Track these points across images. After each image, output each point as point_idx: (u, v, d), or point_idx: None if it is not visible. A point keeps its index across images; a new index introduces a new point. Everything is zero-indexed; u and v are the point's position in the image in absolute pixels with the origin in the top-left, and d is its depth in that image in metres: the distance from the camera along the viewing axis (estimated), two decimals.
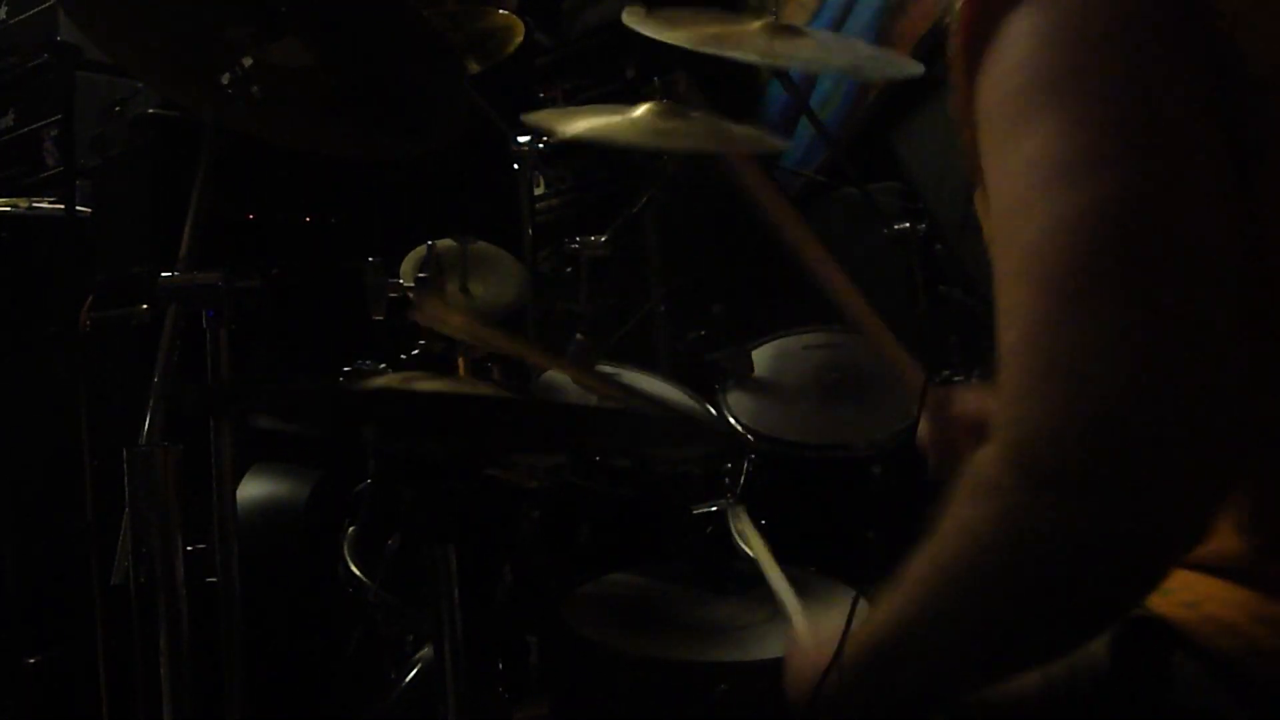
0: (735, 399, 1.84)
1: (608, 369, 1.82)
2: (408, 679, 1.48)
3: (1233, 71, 0.69)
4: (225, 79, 1.41)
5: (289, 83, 1.50)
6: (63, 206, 2.24)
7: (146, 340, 1.50)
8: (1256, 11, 0.69)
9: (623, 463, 1.70)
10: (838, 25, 3.09)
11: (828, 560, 1.51)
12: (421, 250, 1.89)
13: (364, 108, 1.54)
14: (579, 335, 1.75)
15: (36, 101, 2.77)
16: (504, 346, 1.36)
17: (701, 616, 1.42)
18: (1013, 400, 0.67)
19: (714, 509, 1.69)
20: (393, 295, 1.72)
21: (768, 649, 1.32)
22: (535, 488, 1.62)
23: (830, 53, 1.75)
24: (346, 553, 1.66)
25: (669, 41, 1.56)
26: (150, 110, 2.40)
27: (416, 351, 1.68)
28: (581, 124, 1.85)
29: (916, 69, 1.62)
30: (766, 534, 1.51)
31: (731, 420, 1.78)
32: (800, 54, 1.65)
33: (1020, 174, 0.68)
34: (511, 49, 2.32)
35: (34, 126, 2.80)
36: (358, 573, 1.63)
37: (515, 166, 2.25)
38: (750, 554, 1.36)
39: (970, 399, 1.12)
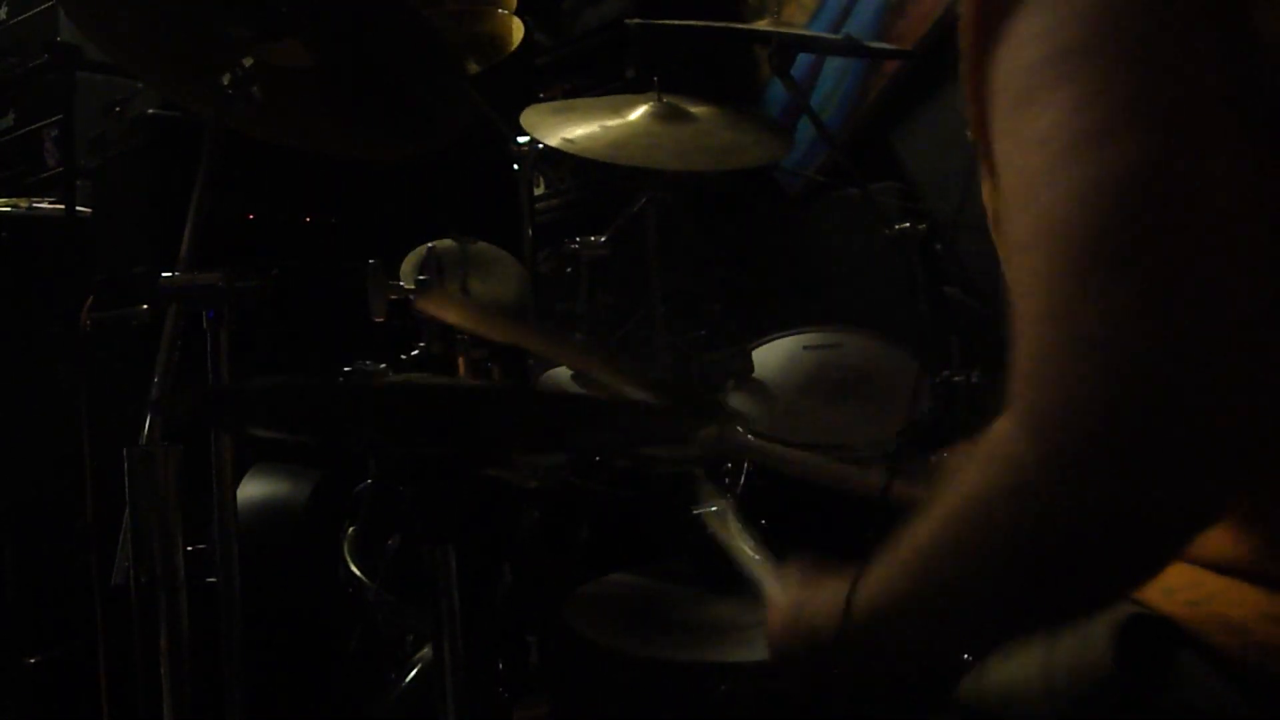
0: (735, 399, 1.84)
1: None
2: (408, 679, 1.48)
3: (1250, 42, 0.69)
4: (225, 79, 1.41)
5: (289, 83, 1.50)
6: (63, 206, 2.24)
7: (146, 340, 1.50)
8: None
9: (623, 462, 1.70)
10: (838, 25, 3.09)
11: (827, 560, 1.51)
12: (421, 250, 1.89)
13: (364, 108, 1.55)
14: (579, 335, 1.75)
15: (36, 101, 2.77)
16: (509, 336, 1.35)
17: (701, 616, 1.42)
18: (1032, 372, 0.65)
19: (714, 509, 1.69)
20: (393, 296, 1.72)
21: (767, 649, 1.32)
22: (535, 488, 1.62)
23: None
24: (346, 553, 1.66)
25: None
26: (150, 110, 2.40)
27: (416, 352, 1.68)
28: (575, 131, 1.85)
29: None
30: (766, 534, 1.51)
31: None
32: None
33: (1037, 146, 0.67)
34: (511, 49, 2.32)
35: (34, 126, 2.80)
36: (358, 573, 1.63)
37: (515, 166, 2.25)
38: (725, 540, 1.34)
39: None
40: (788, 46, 1.93)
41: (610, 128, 1.90)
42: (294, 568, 1.98)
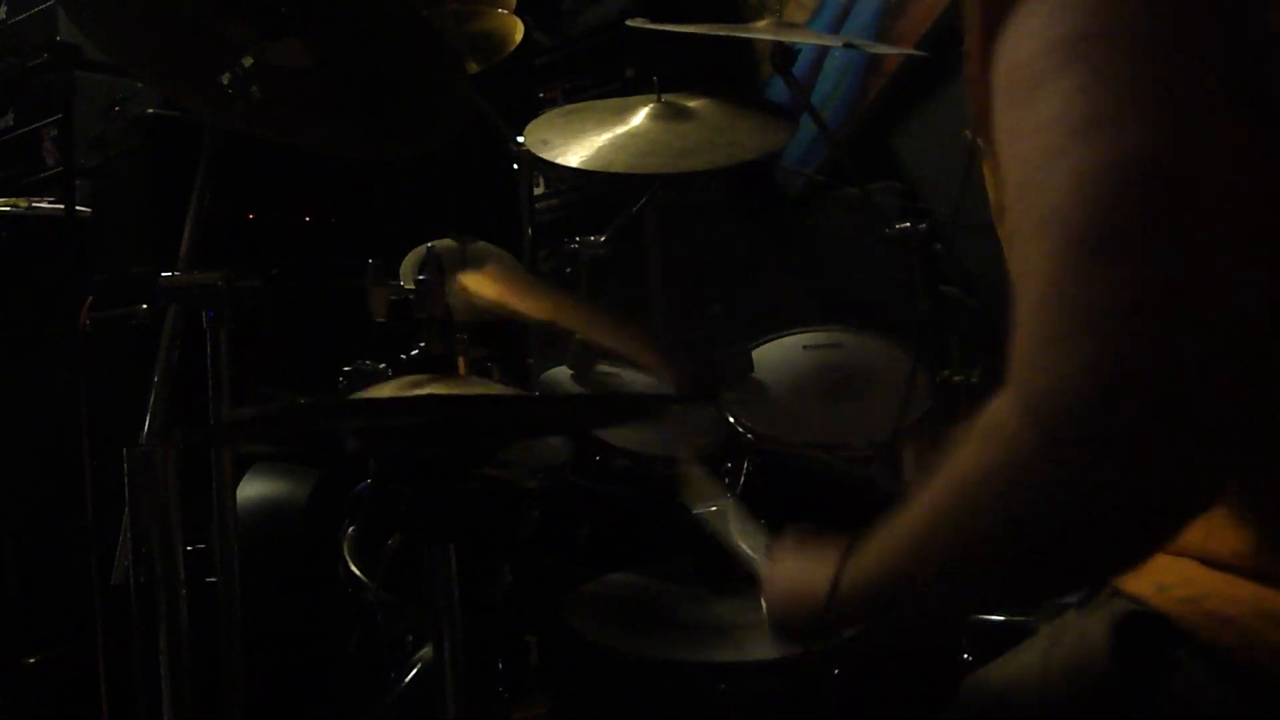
0: (735, 399, 1.83)
1: (607, 369, 1.82)
2: (408, 679, 1.48)
3: (1255, 30, 0.69)
4: (225, 79, 1.41)
5: (289, 83, 1.50)
6: (62, 206, 2.24)
7: (146, 340, 1.50)
8: None
9: (622, 463, 1.70)
10: (838, 25, 3.09)
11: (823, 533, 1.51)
12: (421, 250, 1.89)
13: (364, 108, 1.55)
14: (579, 336, 1.75)
15: (36, 101, 2.77)
16: (549, 313, 1.31)
17: (701, 616, 1.42)
18: (1029, 354, 0.66)
19: (714, 509, 1.69)
20: (393, 296, 1.72)
21: (768, 649, 1.32)
22: (535, 488, 1.62)
23: None
24: (346, 553, 1.66)
25: None
26: (150, 110, 2.40)
27: (416, 352, 1.68)
28: (576, 148, 1.85)
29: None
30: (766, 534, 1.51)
31: (731, 420, 1.78)
32: None
33: (1037, 134, 0.68)
34: (511, 49, 2.32)
35: (34, 126, 2.80)
36: (358, 573, 1.63)
37: (515, 166, 2.25)
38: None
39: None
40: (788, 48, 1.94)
41: (612, 138, 1.91)
42: (294, 568, 1.98)
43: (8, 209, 2.56)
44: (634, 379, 1.82)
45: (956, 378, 1.79)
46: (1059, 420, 0.63)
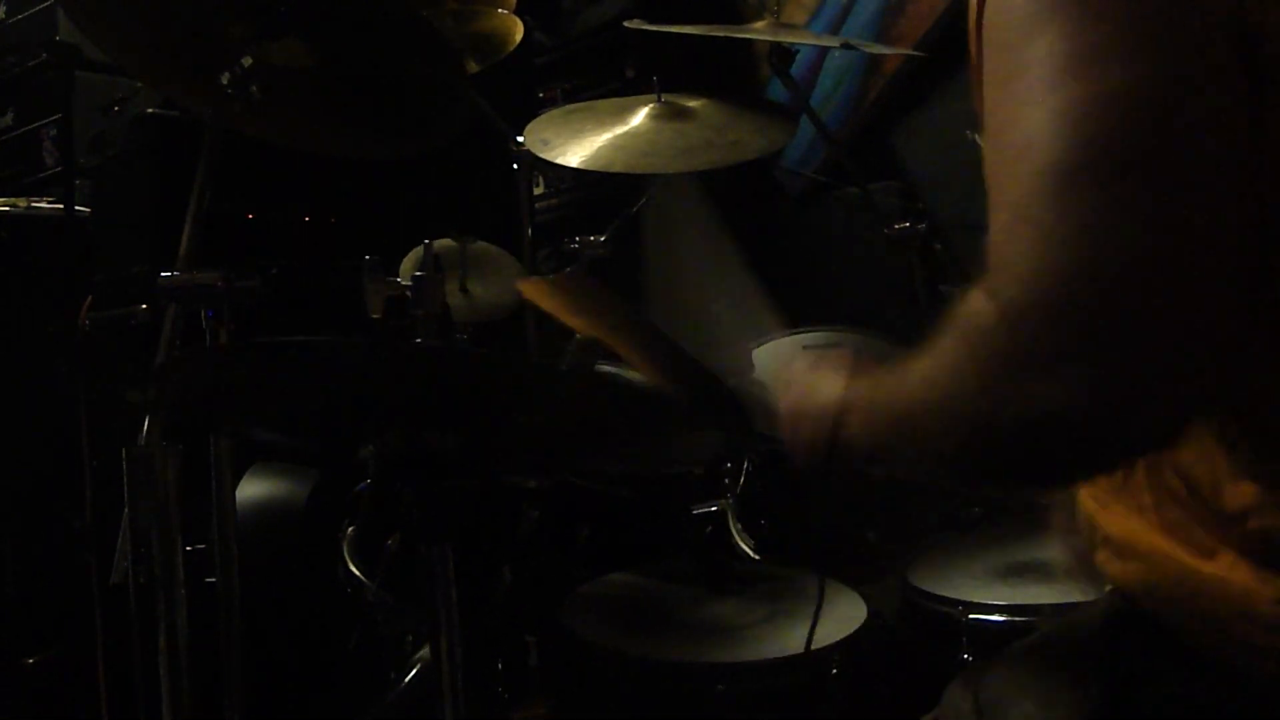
0: None
1: (607, 368, 1.82)
2: (408, 679, 1.48)
3: None
4: (225, 79, 1.41)
5: (289, 83, 1.50)
6: (62, 206, 2.24)
7: (146, 340, 1.50)
8: None
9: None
10: (837, 26, 3.09)
11: (828, 561, 1.51)
12: (421, 249, 1.88)
13: (364, 108, 1.55)
14: (579, 335, 1.75)
15: (35, 101, 2.77)
16: (604, 331, 1.29)
17: (701, 616, 1.42)
18: (1003, 264, 0.67)
19: (714, 509, 1.69)
20: (390, 293, 1.72)
21: (767, 649, 1.32)
22: (535, 488, 1.62)
23: None
24: (346, 553, 1.66)
25: None
26: (150, 110, 2.40)
27: None
28: (576, 148, 1.85)
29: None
30: (766, 534, 1.52)
31: None
32: None
33: (1024, 74, 0.69)
34: (511, 49, 2.32)
35: (33, 126, 2.80)
36: (357, 573, 1.63)
37: (515, 166, 2.25)
38: None
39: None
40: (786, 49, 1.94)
41: (613, 138, 1.90)
42: (293, 568, 1.97)
43: (8, 209, 2.56)
44: (635, 378, 1.82)
45: None
46: (1029, 329, 0.65)
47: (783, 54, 1.97)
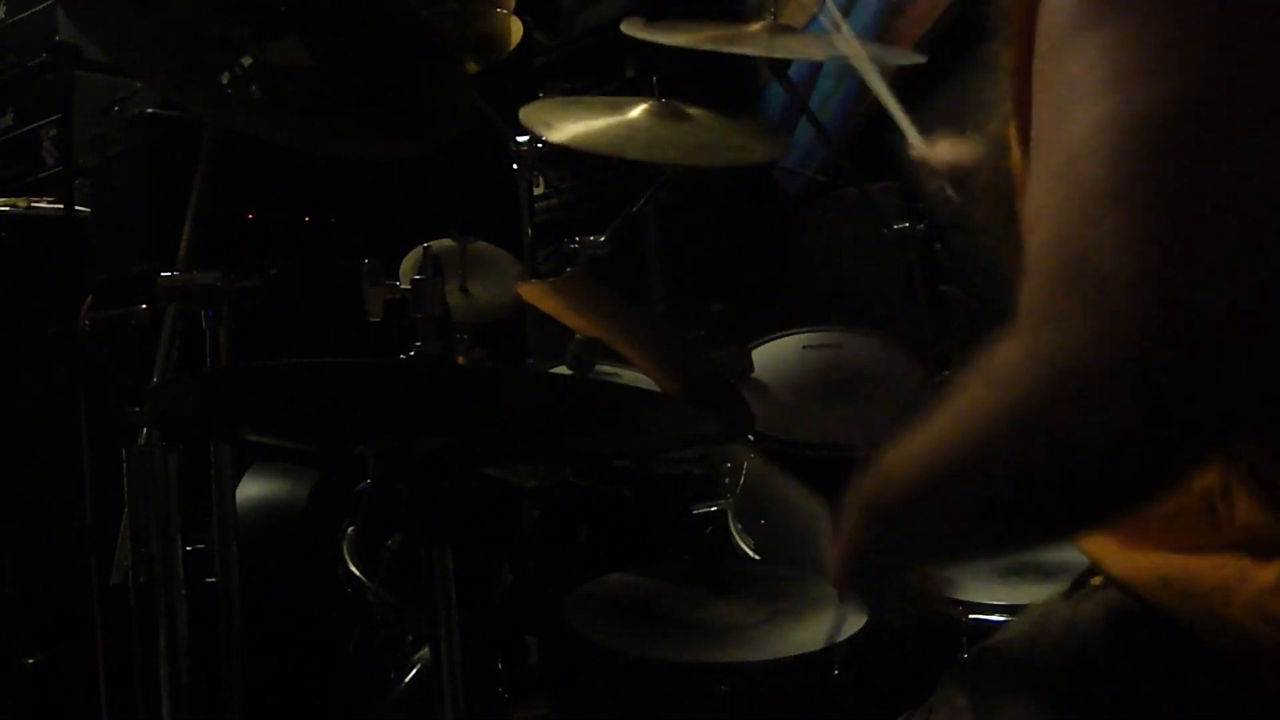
0: None
1: (608, 369, 1.82)
2: (408, 679, 1.48)
3: None
4: (225, 79, 1.41)
5: (289, 83, 1.50)
6: (61, 206, 2.24)
7: (146, 340, 1.50)
8: None
9: (622, 463, 1.70)
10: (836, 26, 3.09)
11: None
12: (420, 250, 1.88)
13: (364, 108, 1.54)
14: (579, 335, 1.75)
15: (35, 101, 2.77)
16: (608, 330, 1.27)
17: (701, 616, 1.42)
18: (1037, 302, 0.65)
19: (714, 509, 1.69)
20: (389, 295, 1.72)
21: (767, 649, 1.32)
22: (535, 487, 1.62)
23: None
24: (346, 553, 1.66)
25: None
26: (150, 110, 2.40)
27: (414, 352, 1.67)
28: (575, 128, 1.84)
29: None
30: (766, 534, 1.51)
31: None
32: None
33: (1073, 80, 0.67)
34: (511, 49, 2.32)
35: (33, 126, 2.80)
36: (357, 573, 1.63)
37: (515, 166, 2.25)
38: None
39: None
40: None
41: (610, 124, 1.90)
42: (293, 568, 1.97)
43: (7, 209, 2.56)
44: (635, 378, 1.82)
45: (956, 378, 1.79)
46: (1062, 366, 0.63)
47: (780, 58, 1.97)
